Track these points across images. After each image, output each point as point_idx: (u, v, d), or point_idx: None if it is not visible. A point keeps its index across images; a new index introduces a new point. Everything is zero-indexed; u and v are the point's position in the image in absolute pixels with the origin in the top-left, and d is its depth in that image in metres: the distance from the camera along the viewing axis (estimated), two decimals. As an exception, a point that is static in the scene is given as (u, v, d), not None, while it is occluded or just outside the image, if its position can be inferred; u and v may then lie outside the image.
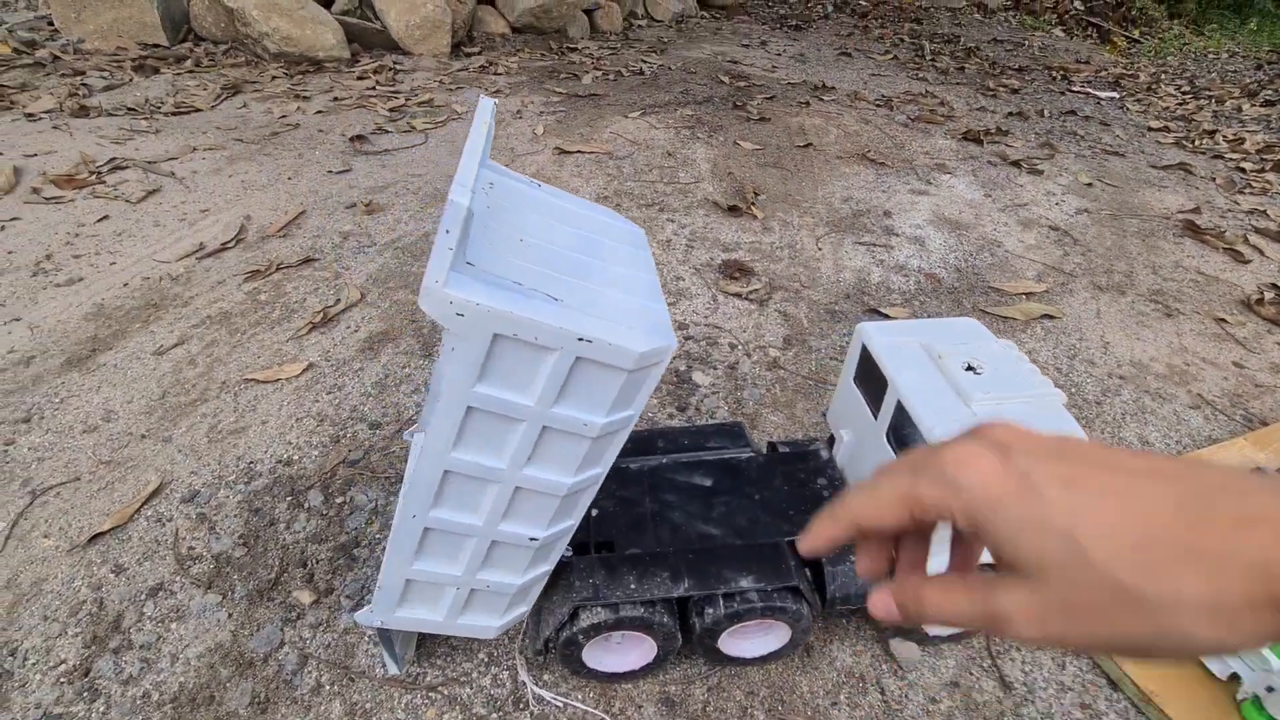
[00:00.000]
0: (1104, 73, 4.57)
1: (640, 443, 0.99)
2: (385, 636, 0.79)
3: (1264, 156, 2.83)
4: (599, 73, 3.56)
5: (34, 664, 0.89)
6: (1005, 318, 1.65)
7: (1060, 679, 0.90)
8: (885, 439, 0.83)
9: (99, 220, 1.89)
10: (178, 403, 1.31)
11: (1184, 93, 3.92)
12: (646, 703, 0.86)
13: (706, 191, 2.22)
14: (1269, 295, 1.79)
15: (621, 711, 0.85)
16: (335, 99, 2.89)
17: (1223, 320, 1.69)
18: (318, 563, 1.02)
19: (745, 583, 0.80)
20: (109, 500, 1.11)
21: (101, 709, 0.84)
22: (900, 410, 0.79)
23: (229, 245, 1.81)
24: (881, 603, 0.33)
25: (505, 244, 0.56)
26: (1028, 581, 0.27)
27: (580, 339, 0.51)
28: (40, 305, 1.56)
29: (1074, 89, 3.97)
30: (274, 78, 3.12)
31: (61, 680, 0.87)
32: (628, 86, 3.35)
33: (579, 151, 2.48)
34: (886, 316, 1.62)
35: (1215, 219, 2.25)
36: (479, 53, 3.78)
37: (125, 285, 1.64)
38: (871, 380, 0.86)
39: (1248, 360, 1.56)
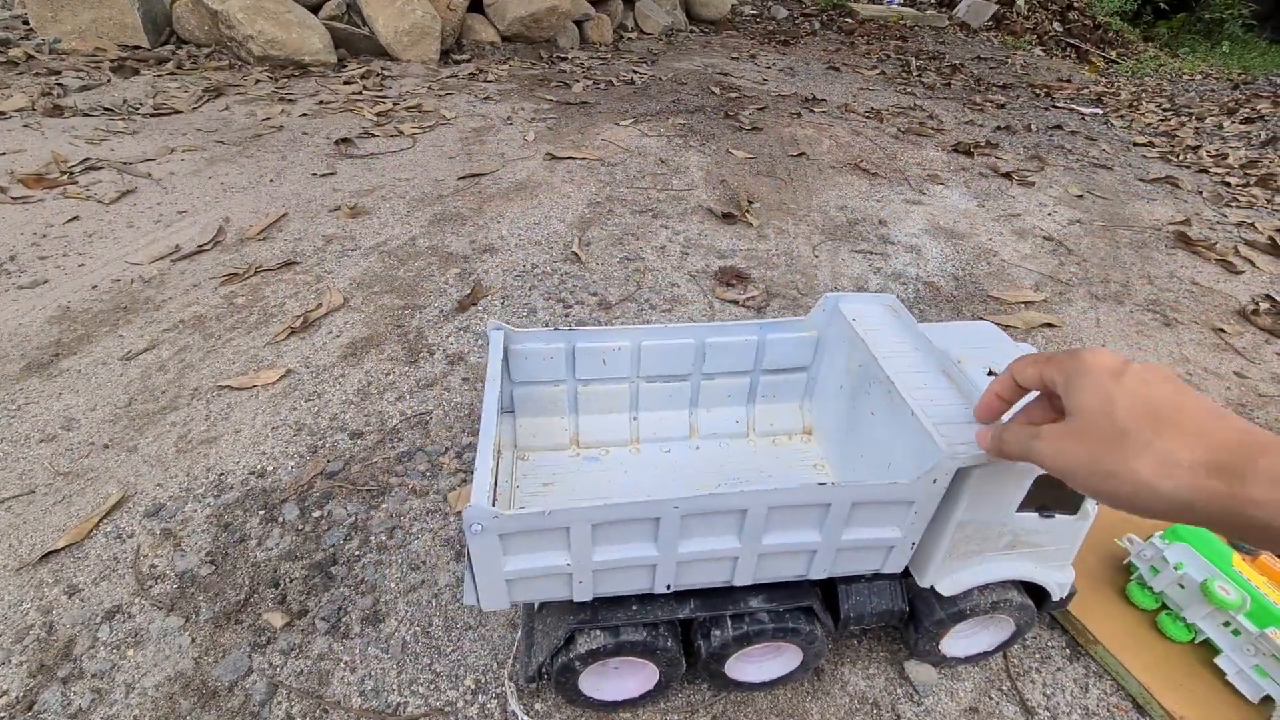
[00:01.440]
0: (1086, 90, 4.65)
1: None
2: None
3: (1247, 171, 2.87)
4: (589, 82, 3.54)
5: (-27, 695, 0.81)
6: (1007, 326, 1.62)
7: (1084, 703, 0.85)
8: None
9: (68, 221, 1.81)
10: (145, 410, 1.23)
11: (1165, 110, 3.99)
12: (647, 733, 0.79)
13: (700, 199, 2.19)
14: (1264, 306, 1.78)
15: (620, 743, 0.78)
16: (321, 103, 2.84)
17: (1221, 330, 1.68)
18: (291, 582, 0.95)
19: (755, 602, 0.74)
20: (65, 515, 1.03)
21: (46, 746, 0.76)
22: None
23: (206, 247, 1.74)
24: (981, 438, 0.59)
25: None
26: (1067, 420, 0.44)
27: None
28: (1, 309, 1.48)
29: (1058, 105, 4.02)
30: (258, 81, 3.06)
31: (1, 714, 0.79)
32: (618, 95, 3.33)
33: (570, 157, 2.44)
34: (886, 324, 1.59)
35: (1205, 231, 2.26)
36: (468, 60, 3.74)
37: (94, 288, 1.56)
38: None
39: (1249, 370, 1.54)
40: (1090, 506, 0.74)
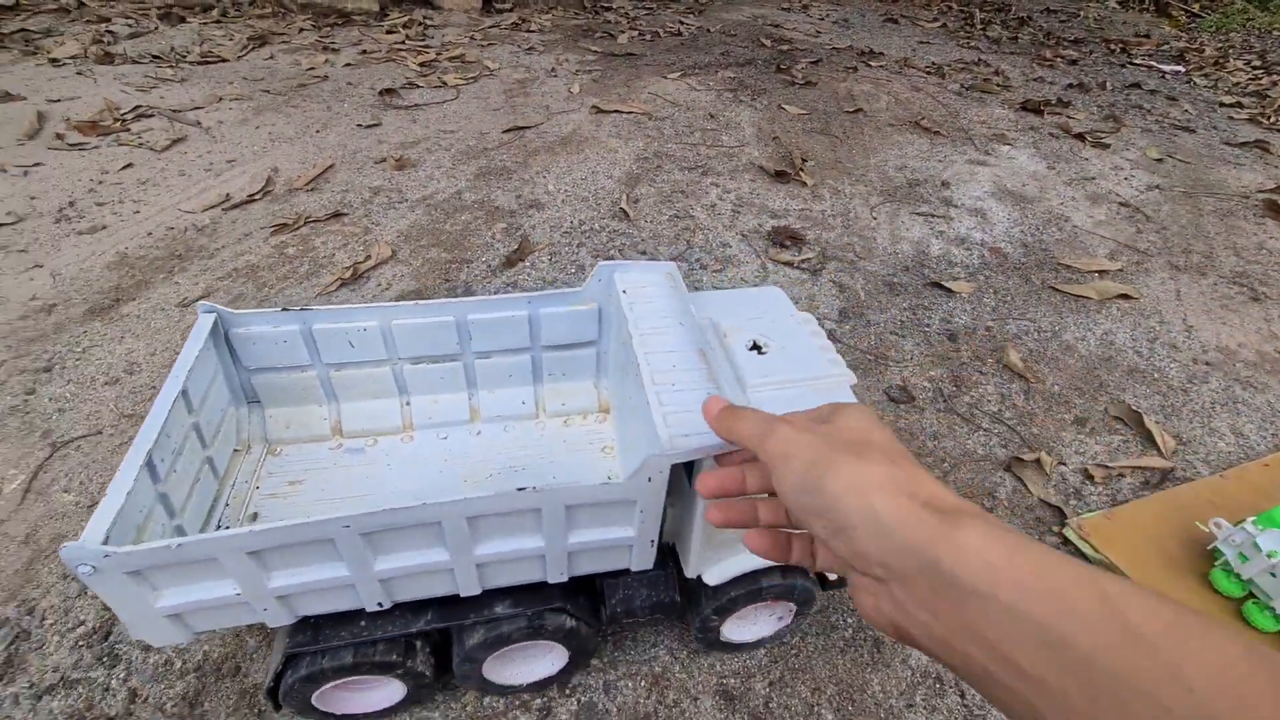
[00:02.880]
0: (1166, 46, 4.31)
1: None
2: None
3: (1349, 135, 2.64)
4: (635, 33, 3.41)
5: (52, 624, 0.84)
6: (1079, 296, 1.53)
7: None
8: None
9: (123, 168, 1.83)
10: (203, 357, 1.25)
11: (1255, 68, 3.68)
12: (703, 694, 0.79)
13: (751, 156, 2.10)
14: (1365, 282, 1.65)
15: (676, 703, 0.78)
16: (364, 52, 2.79)
17: (1317, 307, 1.56)
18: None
19: (501, 608, 0.68)
20: (131, 455, 1.05)
21: (122, 675, 0.79)
22: None
23: (255, 197, 1.74)
24: (708, 411, 0.50)
25: None
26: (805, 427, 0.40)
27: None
28: (63, 253, 1.50)
29: (1135, 62, 3.74)
30: (301, 29, 3.02)
31: (80, 643, 0.82)
32: (665, 47, 3.20)
33: (616, 111, 2.36)
34: (949, 290, 1.51)
35: (1300, 200, 2.09)
36: (510, 9, 3.64)
37: (149, 235, 1.58)
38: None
39: (1347, 350, 1.43)
40: None
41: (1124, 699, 0.23)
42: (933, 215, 1.83)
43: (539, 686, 0.77)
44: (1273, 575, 0.82)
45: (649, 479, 0.58)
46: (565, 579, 0.67)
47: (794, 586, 0.74)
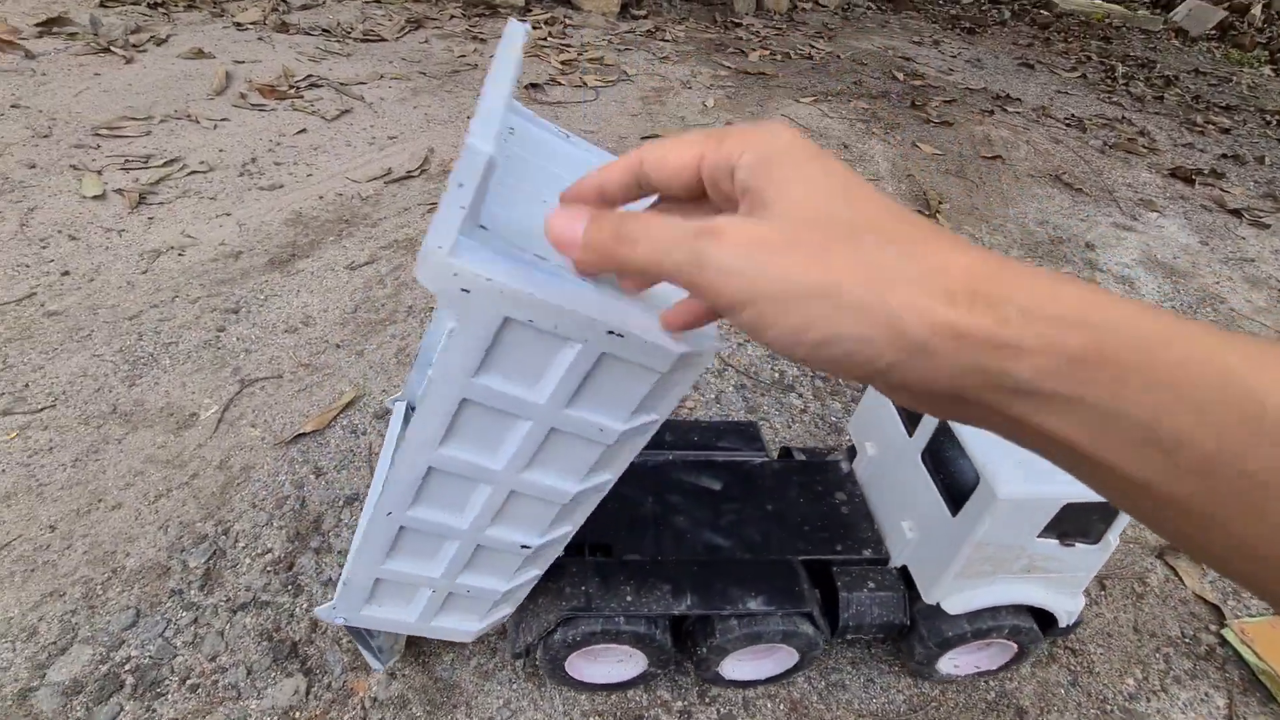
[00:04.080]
0: (1331, 124, 4.00)
1: None
2: (357, 632, 0.72)
3: None
4: (765, 52, 3.43)
5: (244, 548, 0.93)
6: (1236, 384, 1.45)
7: (1329, 819, 0.77)
8: (920, 459, 0.76)
9: (298, 133, 1.98)
10: (368, 319, 1.34)
11: None
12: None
13: (885, 191, 2.08)
14: None
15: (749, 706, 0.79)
16: (509, 45, 2.91)
17: None
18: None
19: (754, 604, 0.73)
20: (308, 402, 1.15)
21: (305, 605, 0.86)
22: (945, 433, 0.72)
23: (414, 174, 1.84)
24: (562, 223, 0.30)
25: (525, 205, 0.45)
26: (749, 216, 0.26)
27: (611, 332, 0.41)
28: (246, 205, 1.64)
29: (1297, 137, 3.49)
30: (452, 17, 3.18)
31: (268, 569, 0.90)
32: (796, 70, 3.21)
33: (750, 130, 2.38)
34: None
35: None
36: (646, 16, 3.72)
37: (320, 198, 1.70)
38: None
39: None
40: (1113, 538, 0.71)
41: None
42: (1077, 277, 1.77)
43: (757, 684, 0.82)
44: None
45: None
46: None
47: (1025, 629, 0.76)
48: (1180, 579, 1.01)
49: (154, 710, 0.75)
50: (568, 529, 0.62)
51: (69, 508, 0.94)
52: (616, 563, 0.75)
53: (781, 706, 0.81)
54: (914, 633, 0.78)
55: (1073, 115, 3.20)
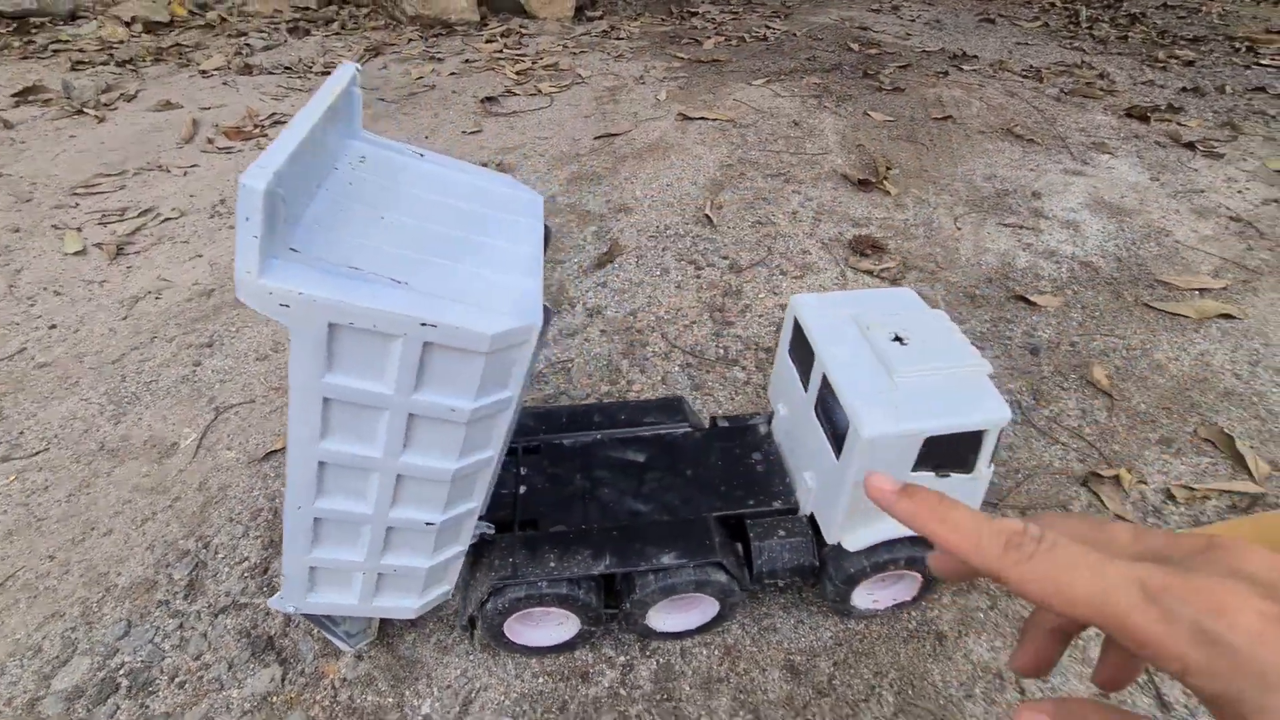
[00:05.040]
0: (1303, 44, 3.95)
1: (576, 418, 0.99)
2: (318, 619, 0.79)
3: None
4: (721, 38, 3.47)
5: (223, 558, 1.01)
6: (1175, 314, 1.49)
7: (1231, 708, 0.82)
8: (813, 412, 0.82)
9: (263, 170, 2.07)
10: (334, 340, 1.42)
11: None
12: (771, 667, 0.86)
13: (834, 163, 2.13)
14: None
15: (745, 672, 0.86)
16: (466, 61, 2.99)
17: None
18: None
19: (668, 558, 0.79)
20: (279, 422, 1.23)
21: (279, 603, 0.95)
22: (825, 384, 0.78)
23: (374, 198, 1.93)
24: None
25: (359, 224, 0.54)
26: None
27: (424, 324, 0.49)
28: (217, 244, 1.73)
29: (1262, 63, 3.46)
30: (410, 40, 3.27)
31: (246, 575, 0.99)
32: (750, 53, 3.25)
33: (702, 118, 2.44)
34: (1033, 304, 1.51)
35: None
36: (601, 17, 3.78)
37: (286, 230, 1.79)
38: (802, 353, 0.85)
39: None
40: (984, 466, 0.75)
41: None
42: (1021, 227, 1.81)
43: (688, 635, 0.89)
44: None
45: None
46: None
47: (922, 558, 0.83)
48: (1103, 503, 1.06)
49: (147, 706, 0.84)
50: (472, 504, 0.70)
51: (65, 538, 1.04)
52: (543, 535, 0.82)
53: (716, 652, 0.88)
54: (824, 573, 0.85)
55: (1031, 66, 3.20)
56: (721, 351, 1.38)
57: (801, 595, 0.94)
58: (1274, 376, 1.33)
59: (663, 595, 0.80)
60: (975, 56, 3.31)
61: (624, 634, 0.89)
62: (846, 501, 0.77)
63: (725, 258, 1.66)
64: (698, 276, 1.60)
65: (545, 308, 0.60)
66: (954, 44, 3.54)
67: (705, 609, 0.86)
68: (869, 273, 1.60)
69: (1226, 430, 1.19)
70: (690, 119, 2.44)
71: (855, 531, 0.80)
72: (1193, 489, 1.08)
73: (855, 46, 3.38)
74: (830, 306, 0.85)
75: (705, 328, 1.44)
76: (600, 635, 0.88)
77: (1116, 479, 1.10)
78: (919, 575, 0.85)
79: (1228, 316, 1.49)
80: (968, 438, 0.73)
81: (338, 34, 3.33)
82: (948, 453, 0.74)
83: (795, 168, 2.10)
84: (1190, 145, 2.33)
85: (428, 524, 0.67)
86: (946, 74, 3.01)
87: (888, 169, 2.10)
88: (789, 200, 1.92)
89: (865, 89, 2.78)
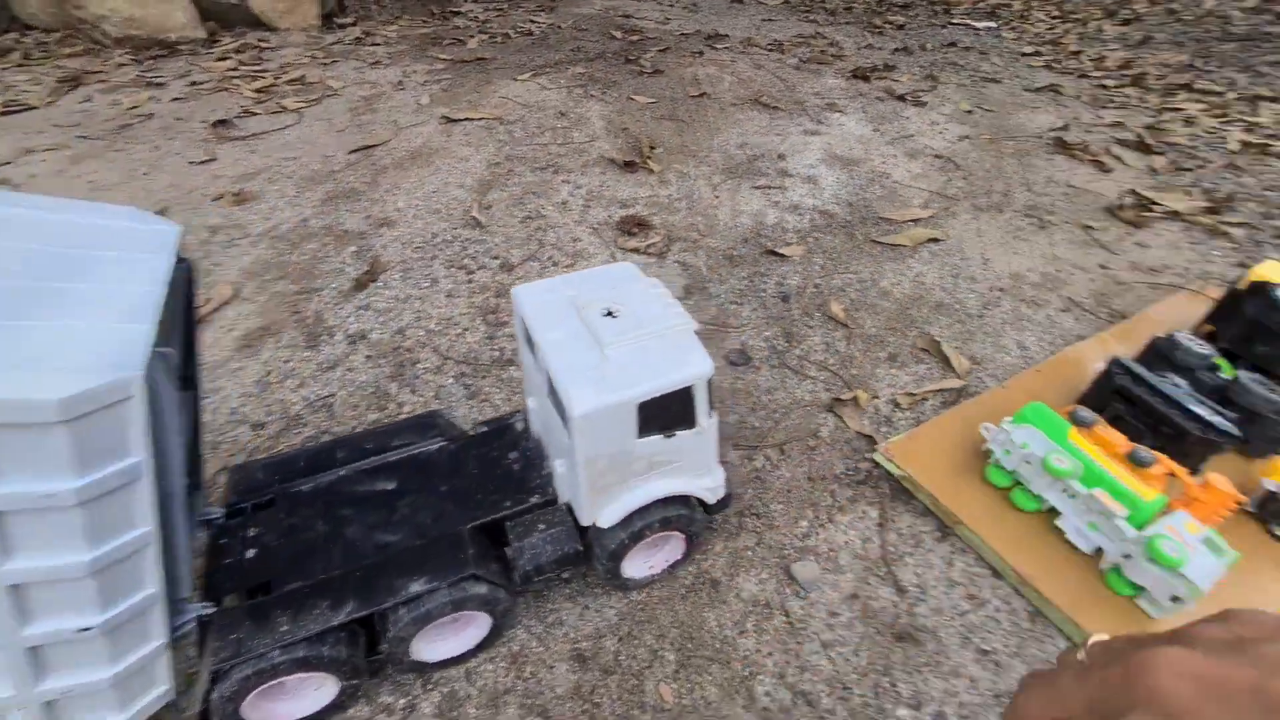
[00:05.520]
0: (982, 3, 4.72)
1: (316, 459, 0.90)
2: None
3: (1123, 72, 3.01)
4: (485, 36, 3.40)
5: None
6: (895, 245, 1.70)
7: (950, 576, 0.95)
8: (549, 400, 0.81)
9: (-82, 239, 1.68)
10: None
11: (1054, 17, 4.10)
12: (558, 662, 0.85)
13: (602, 149, 2.18)
14: (1129, 200, 1.92)
15: (533, 675, 0.84)
16: (193, 84, 2.65)
17: (1089, 227, 1.80)
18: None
19: (417, 585, 0.74)
20: None
21: None
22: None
23: (78, 252, 1.64)
24: None
25: None
26: None
27: None
28: None
29: (954, 21, 4.09)
30: (120, 65, 2.83)
31: None
32: (516, 48, 3.22)
33: (467, 119, 2.37)
34: (782, 256, 1.64)
35: (1082, 134, 2.38)
36: (353, 23, 3.53)
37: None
38: (531, 342, 0.83)
39: (1111, 262, 1.67)
40: (703, 418, 0.79)
41: None
42: (769, 187, 1.97)
43: (470, 656, 0.84)
44: (1028, 463, 0.98)
45: None
46: None
47: (676, 516, 0.85)
48: (845, 424, 1.18)
49: None
50: (146, 592, 0.61)
51: None
52: (274, 598, 0.74)
53: (502, 664, 0.85)
54: (592, 554, 0.85)
55: (775, 40, 3.50)
56: (496, 354, 1.34)
57: (587, 581, 0.94)
58: (970, 284, 1.57)
59: (420, 625, 0.76)
60: (727, 35, 3.55)
61: (404, 676, 0.84)
62: (584, 481, 0.77)
63: (496, 258, 1.63)
64: (469, 281, 1.55)
65: (177, 351, 0.52)
66: (708, 25, 3.77)
67: (479, 625, 0.83)
68: (636, 250, 1.65)
69: (936, 338, 1.38)
70: (455, 121, 2.36)
71: (605, 508, 0.81)
72: (913, 394, 1.24)
73: (619, 34, 3.48)
74: (549, 292, 0.85)
75: (478, 333, 1.39)
76: (379, 683, 0.82)
77: (855, 400, 1.23)
78: (681, 533, 0.89)
79: (935, 240, 1.73)
80: (679, 396, 0.76)
81: (21, 65, 2.80)
82: (667, 414, 0.77)
83: (563, 158, 2.11)
84: (902, 98, 2.68)
85: (84, 630, 0.57)
86: (702, 54, 3.19)
87: (651, 149, 2.18)
88: (559, 190, 1.92)
89: (628, 74, 2.87)
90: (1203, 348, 1.09)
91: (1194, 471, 0.97)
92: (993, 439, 1.02)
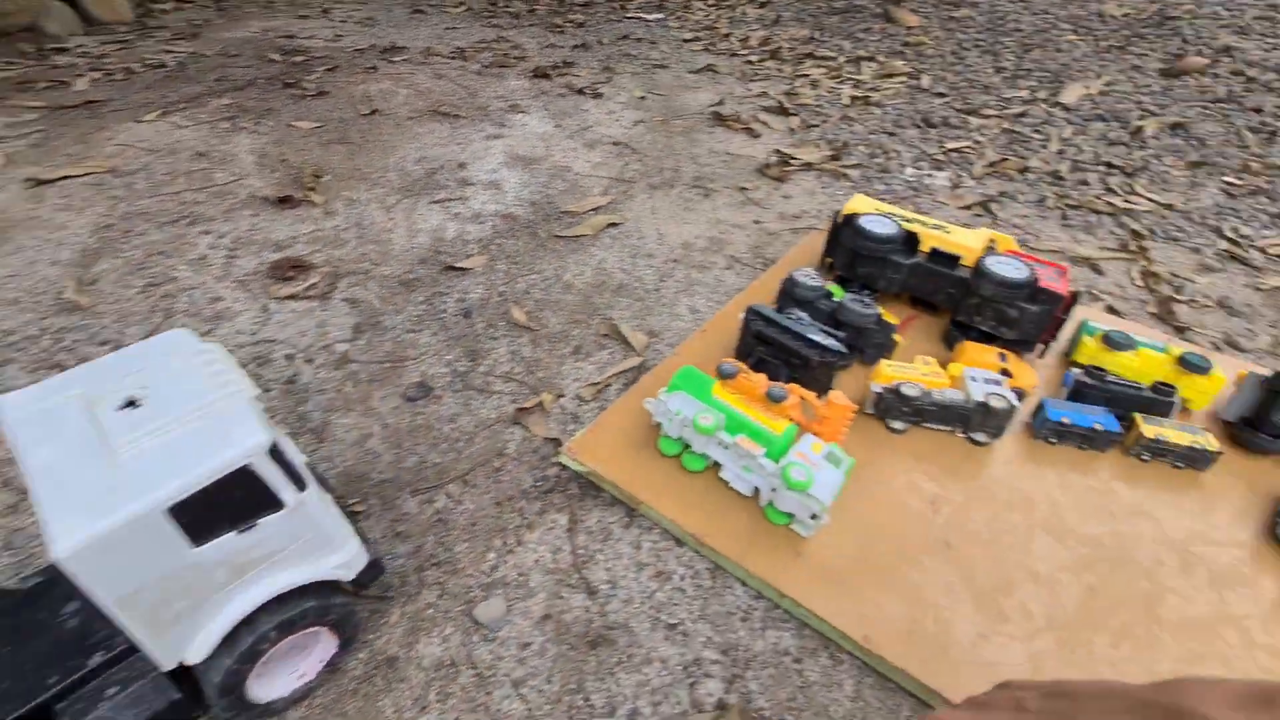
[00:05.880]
0: (654, -2, 5.11)
1: None
2: None
3: (764, 48, 3.44)
4: (100, 74, 2.82)
5: None
6: (577, 236, 1.71)
7: (638, 559, 0.95)
8: None
9: None
10: None
11: (710, 5, 4.58)
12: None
13: (252, 188, 1.90)
14: (774, 159, 2.16)
15: None
16: None
17: (744, 188, 1.99)
18: None
19: None
20: None
21: None
22: None
23: None
24: None
25: None
26: None
27: None
28: None
29: (629, 15, 4.36)
30: None
31: None
32: (142, 85, 2.71)
33: (65, 177, 1.91)
34: (463, 269, 1.56)
35: (735, 106, 2.65)
36: (-110, 75, 2.70)
37: None
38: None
39: (762, 216, 1.86)
40: (292, 495, 0.66)
41: None
42: (449, 199, 1.87)
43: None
44: (686, 427, 1.01)
45: None
46: None
47: (305, 613, 0.70)
48: (532, 433, 1.14)
49: None
50: None
51: None
52: None
53: None
54: (204, 697, 0.69)
55: (458, 48, 3.40)
56: (104, 465, 1.07)
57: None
58: (647, 260, 1.63)
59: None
60: (406, 48, 3.37)
61: None
62: (131, 624, 0.60)
63: (105, 343, 1.31)
64: (66, 381, 1.22)
65: None
66: (385, 39, 3.55)
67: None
68: (292, 297, 1.45)
69: (615, 320, 1.40)
70: (47, 182, 1.89)
71: (187, 642, 0.65)
72: (595, 383, 1.24)
73: (278, 57, 3.11)
74: (48, 395, 0.65)
75: (76, 444, 1.10)
76: None
77: (541, 405, 1.19)
78: (320, 624, 0.75)
79: (614, 224, 1.77)
80: (235, 480, 0.62)
81: None
82: (229, 505, 0.63)
83: (202, 205, 1.80)
84: (581, 91, 2.75)
85: None
86: (375, 69, 2.98)
87: (316, 178, 1.95)
88: (195, 245, 1.63)
89: (288, 99, 2.57)
90: (815, 280, 1.23)
91: (823, 393, 1.08)
92: (655, 411, 1.04)
